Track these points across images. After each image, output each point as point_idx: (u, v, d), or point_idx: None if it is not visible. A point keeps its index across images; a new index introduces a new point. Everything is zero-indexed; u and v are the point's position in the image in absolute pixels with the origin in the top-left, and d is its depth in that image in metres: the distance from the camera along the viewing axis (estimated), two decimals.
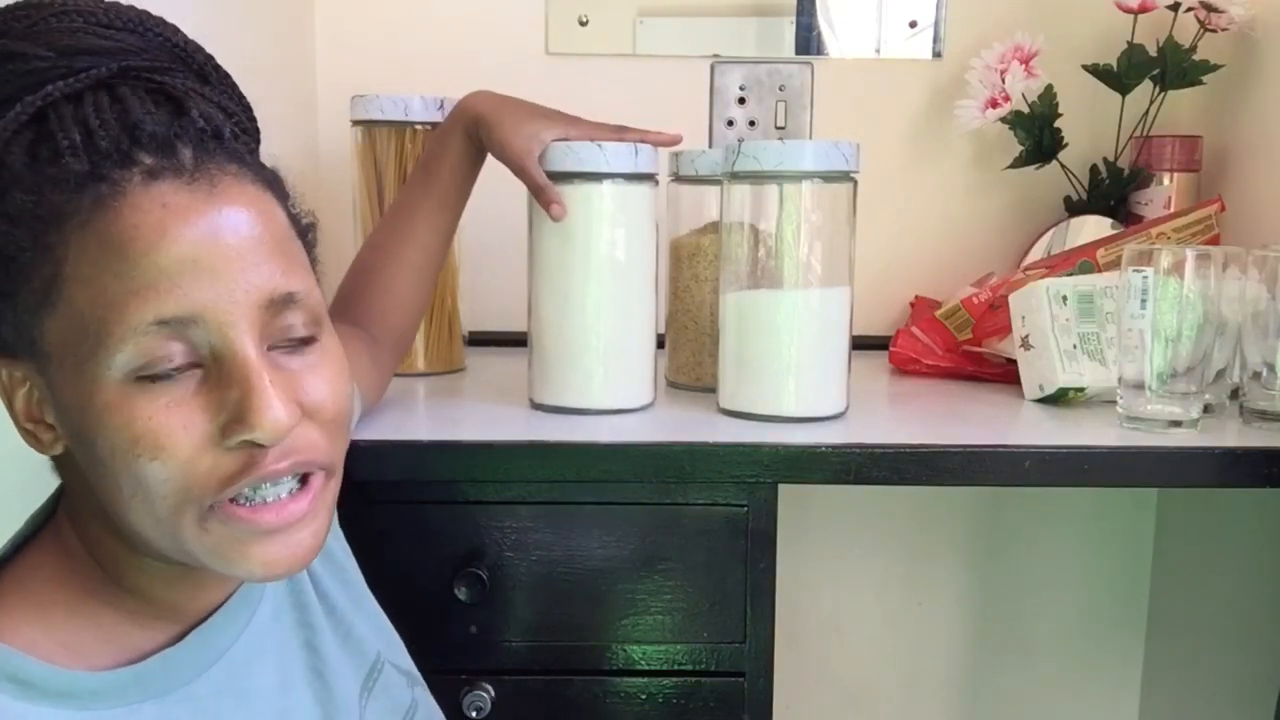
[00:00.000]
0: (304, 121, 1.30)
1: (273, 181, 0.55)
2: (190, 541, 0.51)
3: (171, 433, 0.49)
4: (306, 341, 0.54)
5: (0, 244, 0.49)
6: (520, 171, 0.88)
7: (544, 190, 0.88)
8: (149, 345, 0.49)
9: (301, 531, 0.54)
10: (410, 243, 0.89)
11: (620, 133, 0.91)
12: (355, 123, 1.11)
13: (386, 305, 0.89)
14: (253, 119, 0.59)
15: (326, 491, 0.55)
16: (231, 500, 0.51)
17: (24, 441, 0.54)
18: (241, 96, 0.59)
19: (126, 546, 0.54)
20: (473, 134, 0.90)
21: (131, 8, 0.55)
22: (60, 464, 0.56)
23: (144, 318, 0.48)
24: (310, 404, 0.53)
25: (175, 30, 0.56)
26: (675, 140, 0.94)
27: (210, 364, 0.50)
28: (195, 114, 0.52)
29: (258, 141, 0.59)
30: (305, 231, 0.57)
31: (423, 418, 0.93)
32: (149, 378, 0.49)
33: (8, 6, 0.53)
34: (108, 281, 0.48)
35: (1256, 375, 0.91)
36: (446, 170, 0.90)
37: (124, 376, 0.49)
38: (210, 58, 0.57)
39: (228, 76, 0.58)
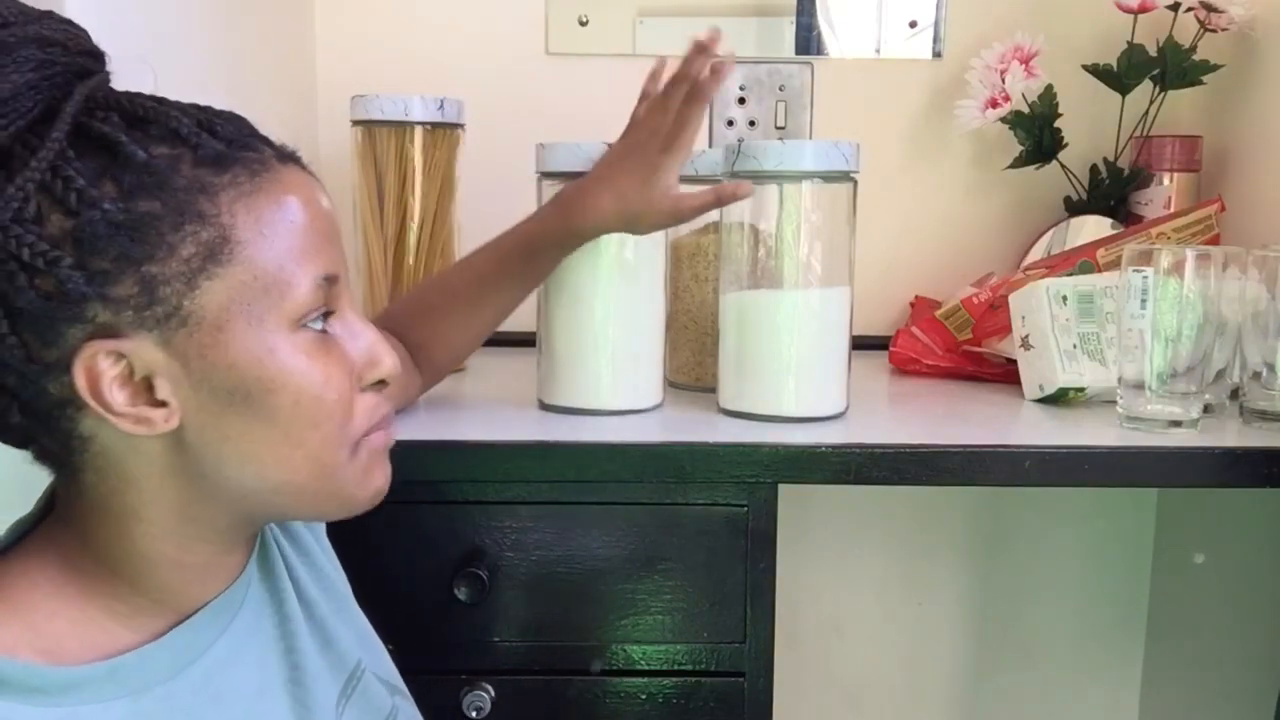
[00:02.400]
0: (304, 121, 1.30)
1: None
2: (342, 471, 0.58)
3: (341, 380, 0.56)
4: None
5: (135, 214, 0.50)
6: (692, 217, 0.88)
7: (721, 194, 0.86)
8: (320, 298, 0.55)
9: (389, 459, 0.63)
10: (486, 306, 0.89)
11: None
12: (355, 123, 1.11)
13: (436, 344, 0.89)
14: None
15: None
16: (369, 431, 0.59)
17: (121, 428, 0.52)
18: None
19: (175, 538, 0.56)
20: (593, 236, 0.88)
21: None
22: (86, 463, 0.54)
23: (321, 271, 0.55)
24: None
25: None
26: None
27: (335, 321, 0.57)
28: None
29: None
30: None
31: (423, 418, 0.93)
32: (313, 331, 0.55)
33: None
34: (287, 240, 0.54)
35: (1256, 375, 0.91)
36: (546, 264, 0.89)
37: (295, 326, 0.54)
38: None
39: None
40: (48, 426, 0.53)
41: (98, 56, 0.54)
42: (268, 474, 0.56)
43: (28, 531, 0.58)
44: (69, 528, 0.56)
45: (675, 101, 0.86)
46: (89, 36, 0.54)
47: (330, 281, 0.56)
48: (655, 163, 0.85)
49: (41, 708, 0.51)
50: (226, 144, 0.53)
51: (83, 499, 0.56)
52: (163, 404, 0.52)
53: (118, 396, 0.52)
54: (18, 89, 0.49)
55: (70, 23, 0.54)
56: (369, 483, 0.60)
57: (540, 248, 0.87)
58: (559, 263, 0.89)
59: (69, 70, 0.52)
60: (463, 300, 0.89)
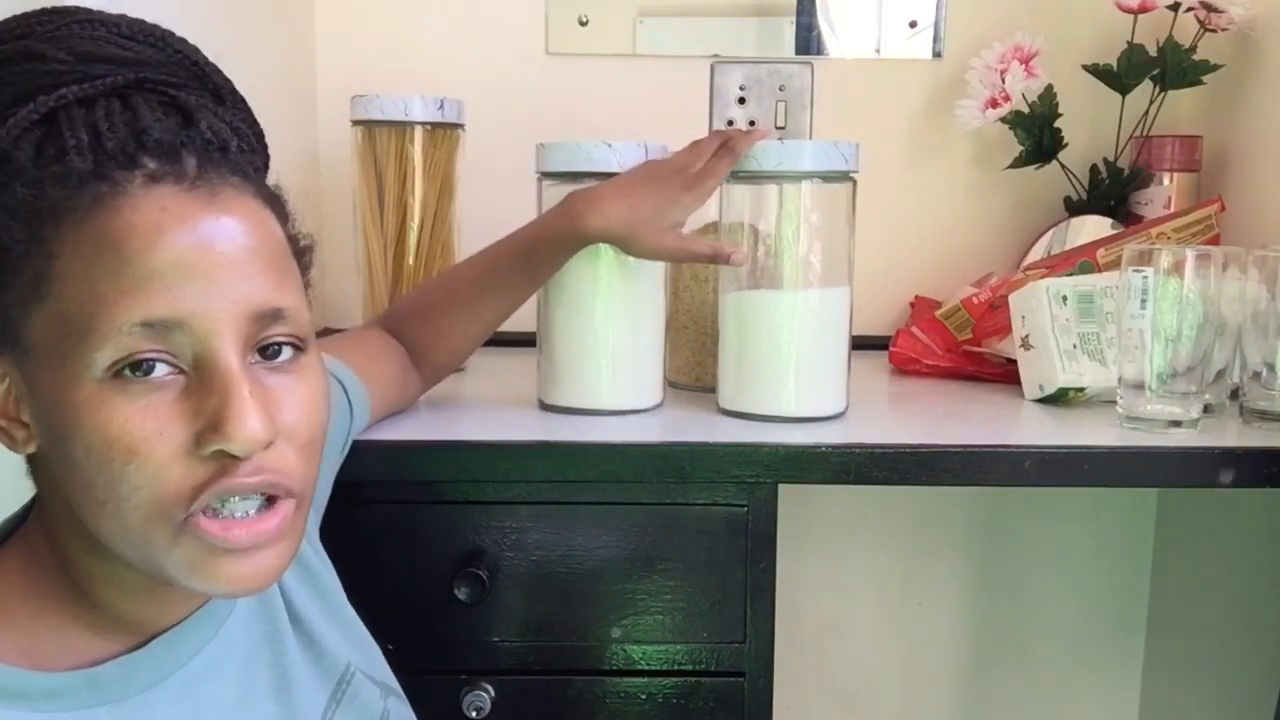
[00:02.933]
0: (304, 121, 1.30)
1: (273, 199, 0.55)
2: (160, 553, 0.51)
3: (147, 437, 0.49)
4: (290, 360, 0.53)
5: (10, 235, 0.49)
6: (681, 261, 0.90)
7: (717, 255, 0.89)
8: (131, 345, 0.48)
9: (268, 551, 0.53)
10: (486, 306, 0.89)
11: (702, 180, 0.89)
12: (355, 123, 1.11)
13: (437, 344, 0.90)
14: (263, 143, 0.59)
15: (296, 517, 0.54)
16: (202, 514, 0.51)
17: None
18: (255, 122, 0.59)
19: (95, 555, 0.54)
20: (593, 244, 0.88)
21: (154, 25, 0.56)
22: (34, 466, 0.55)
23: (130, 318, 0.48)
24: (286, 424, 0.52)
25: (196, 50, 0.57)
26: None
27: (191, 371, 0.50)
28: (204, 125, 0.52)
29: (266, 164, 0.59)
30: (302, 253, 0.57)
31: (424, 417, 0.93)
32: (128, 380, 0.49)
33: (34, 10, 0.53)
34: (99, 279, 0.48)
35: (1256, 375, 0.91)
36: (551, 268, 0.89)
37: (103, 375, 0.48)
38: (228, 81, 0.58)
39: (243, 101, 0.58)
40: None
41: (121, 61, 0.53)
42: (93, 527, 0.51)
43: (12, 530, 0.58)
44: (40, 530, 0.56)
45: (708, 149, 0.89)
46: (127, 39, 0.54)
47: (167, 327, 0.49)
48: (674, 196, 0.87)
49: (23, 712, 0.51)
50: (100, 159, 0.49)
51: (37, 500, 0.57)
52: (27, 425, 0.52)
53: (5, 407, 0.52)
54: None
55: (103, 24, 0.53)
56: (203, 581, 0.52)
57: (542, 248, 0.88)
58: (559, 266, 0.89)
59: (50, 84, 0.51)
60: (463, 300, 0.89)
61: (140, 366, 0.49)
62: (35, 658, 0.53)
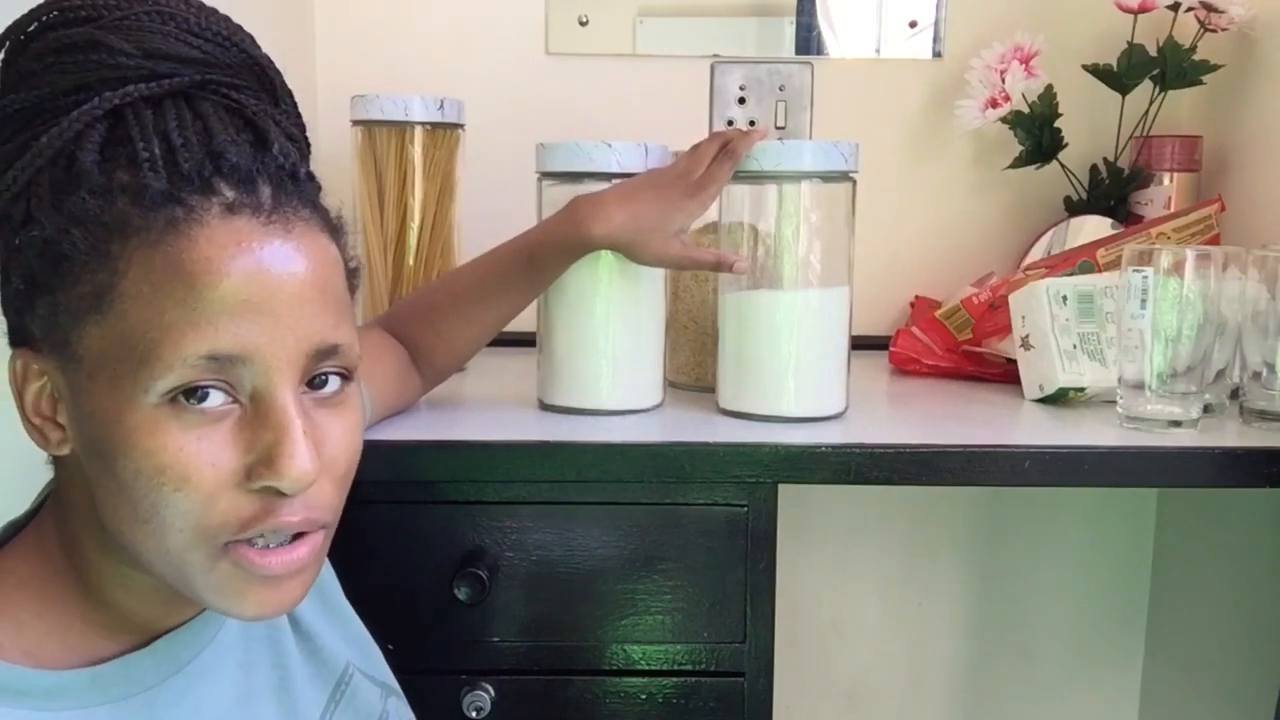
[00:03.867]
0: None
1: (335, 229, 0.56)
2: (196, 576, 0.51)
3: (200, 467, 0.49)
4: (337, 391, 0.54)
5: (55, 241, 0.49)
6: (684, 269, 0.90)
7: (720, 262, 0.89)
8: (193, 375, 0.48)
9: (294, 580, 0.53)
10: (491, 311, 0.89)
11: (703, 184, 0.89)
12: (355, 123, 1.11)
13: (437, 346, 0.89)
14: (308, 140, 0.60)
15: (323, 546, 0.55)
16: (243, 542, 0.51)
17: (28, 435, 0.53)
18: (300, 115, 0.59)
19: (112, 558, 0.54)
20: (596, 250, 0.88)
21: (222, 17, 0.55)
22: (60, 465, 0.55)
23: (198, 350, 0.48)
24: (329, 458, 0.53)
25: (256, 46, 0.56)
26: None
27: (247, 403, 0.50)
28: (276, 149, 0.52)
29: (308, 156, 0.59)
30: (351, 275, 0.57)
31: (423, 418, 0.93)
32: (184, 407, 0.49)
33: None
34: (168, 307, 0.48)
35: (1256, 375, 0.91)
36: (554, 271, 0.89)
37: (159, 401, 0.48)
38: (280, 74, 0.58)
39: (291, 94, 0.59)
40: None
41: (189, 60, 0.53)
42: (125, 539, 0.51)
43: (20, 529, 0.58)
44: (54, 527, 0.56)
45: (708, 153, 0.89)
46: (199, 36, 0.53)
47: (230, 361, 0.49)
48: (677, 203, 0.87)
49: (26, 710, 0.51)
50: (176, 180, 0.49)
51: (57, 504, 0.56)
52: (63, 427, 0.53)
53: (37, 405, 0.53)
54: (53, 93, 0.51)
55: (171, 19, 0.53)
56: (232, 604, 0.52)
57: (545, 254, 0.88)
58: (562, 271, 0.89)
59: (116, 77, 0.51)
60: (465, 303, 0.89)
61: (196, 394, 0.49)
62: (38, 657, 0.53)
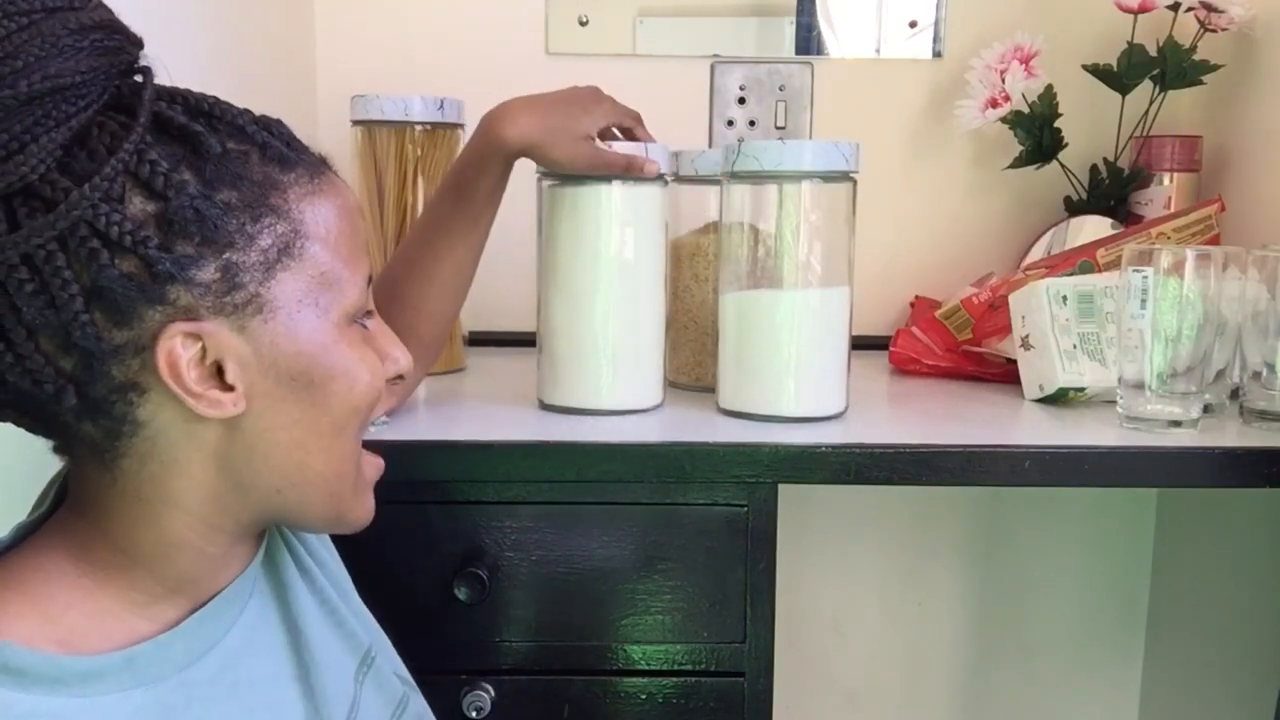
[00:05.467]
0: (304, 121, 1.30)
1: None
2: (352, 474, 0.61)
3: (375, 368, 0.60)
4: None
5: (217, 203, 0.52)
6: (596, 171, 0.90)
7: (631, 163, 0.90)
8: (368, 297, 0.60)
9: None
10: (445, 261, 0.89)
11: (637, 122, 0.96)
12: (355, 123, 1.11)
13: (416, 319, 0.89)
14: None
15: None
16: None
17: (196, 410, 0.53)
18: None
19: (203, 526, 0.57)
20: (513, 159, 0.89)
21: None
22: (156, 446, 0.54)
23: (365, 272, 0.59)
24: None
25: None
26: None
27: (370, 317, 0.62)
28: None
29: None
30: None
31: (423, 417, 0.93)
32: (351, 324, 0.59)
33: None
34: (341, 242, 0.57)
35: (1256, 375, 0.91)
36: (483, 194, 0.89)
37: (348, 320, 0.58)
38: None
39: None
40: (100, 411, 0.53)
41: (141, 45, 0.55)
42: (311, 462, 0.58)
43: (37, 526, 0.58)
44: (84, 519, 0.56)
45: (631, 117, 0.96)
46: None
47: (370, 283, 0.60)
48: (584, 105, 0.91)
49: (63, 698, 0.52)
50: (285, 142, 0.57)
51: (114, 487, 0.55)
52: (231, 388, 0.54)
53: (198, 376, 0.53)
54: (94, 71, 0.50)
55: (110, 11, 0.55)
56: (362, 504, 0.64)
57: (468, 175, 0.88)
58: (493, 191, 0.89)
59: (130, 56, 0.53)
60: (420, 264, 0.89)
61: (365, 311, 0.61)
62: (73, 645, 0.53)
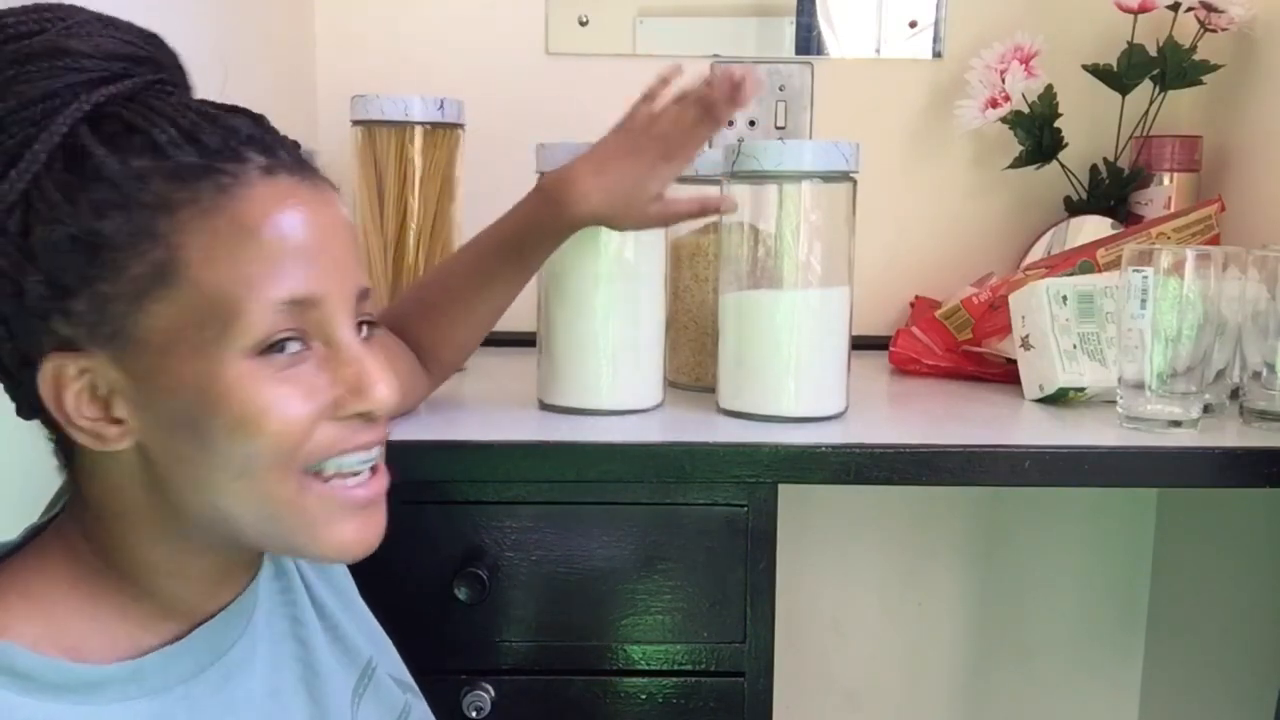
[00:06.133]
0: (304, 121, 1.30)
1: (334, 187, 0.59)
2: (287, 514, 0.54)
3: (296, 406, 0.53)
4: (369, 336, 0.58)
5: (90, 233, 0.50)
6: (671, 223, 0.90)
7: (706, 205, 0.88)
8: (279, 322, 0.52)
9: (380, 511, 0.58)
10: (486, 302, 0.89)
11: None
12: (355, 123, 1.11)
13: (440, 343, 0.89)
14: None
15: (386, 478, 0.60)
16: (327, 479, 0.55)
17: (78, 441, 0.53)
18: None
19: (165, 546, 0.55)
20: (579, 229, 0.87)
21: (135, 24, 0.57)
22: (98, 466, 0.55)
23: (279, 295, 0.52)
24: None
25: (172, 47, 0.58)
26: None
27: (319, 346, 0.54)
28: (266, 124, 0.55)
29: None
30: None
31: (423, 417, 0.93)
32: (271, 356, 0.52)
33: (37, 5, 0.53)
34: (242, 263, 0.51)
35: (1256, 375, 0.91)
36: (541, 256, 0.88)
37: (247, 353, 0.51)
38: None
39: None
40: (47, 425, 0.55)
41: (139, 60, 0.54)
42: (218, 502, 0.53)
43: (43, 527, 0.58)
44: (78, 527, 0.56)
45: (689, 116, 0.86)
46: (136, 39, 0.55)
47: (304, 305, 0.53)
48: (653, 169, 0.85)
49: (67, 705, 0.52)
50: (207, 154, 0.52)
51: (84, 501, 0.56)
52: (119, 421, 0.53)
53: (80, 409, 0.52)
54: (23, 101, 0.51)
55: (109, 25, 0.54)
56: (328, 535, 0.55)
57: (531, 240, 0.87)
58: (550, 253, 0.88)
59: (84, 80, 0.52)
60: (460, 299, 0.89)
61: (276, 346, 0.52)
62: (80, 652, 0.53)
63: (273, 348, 0.52)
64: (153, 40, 0.56)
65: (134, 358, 0.51)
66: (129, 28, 0.55)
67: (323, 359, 0.54)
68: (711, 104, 0.85)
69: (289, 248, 0.52)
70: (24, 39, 0.52)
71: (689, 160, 0.86)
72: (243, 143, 0.53)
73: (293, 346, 0.53)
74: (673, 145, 0.85)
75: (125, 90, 0.53)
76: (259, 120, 0.56)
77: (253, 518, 0.54)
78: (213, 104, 0.56)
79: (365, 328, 0.58)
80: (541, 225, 0.86)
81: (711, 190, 0.92)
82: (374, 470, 0.58)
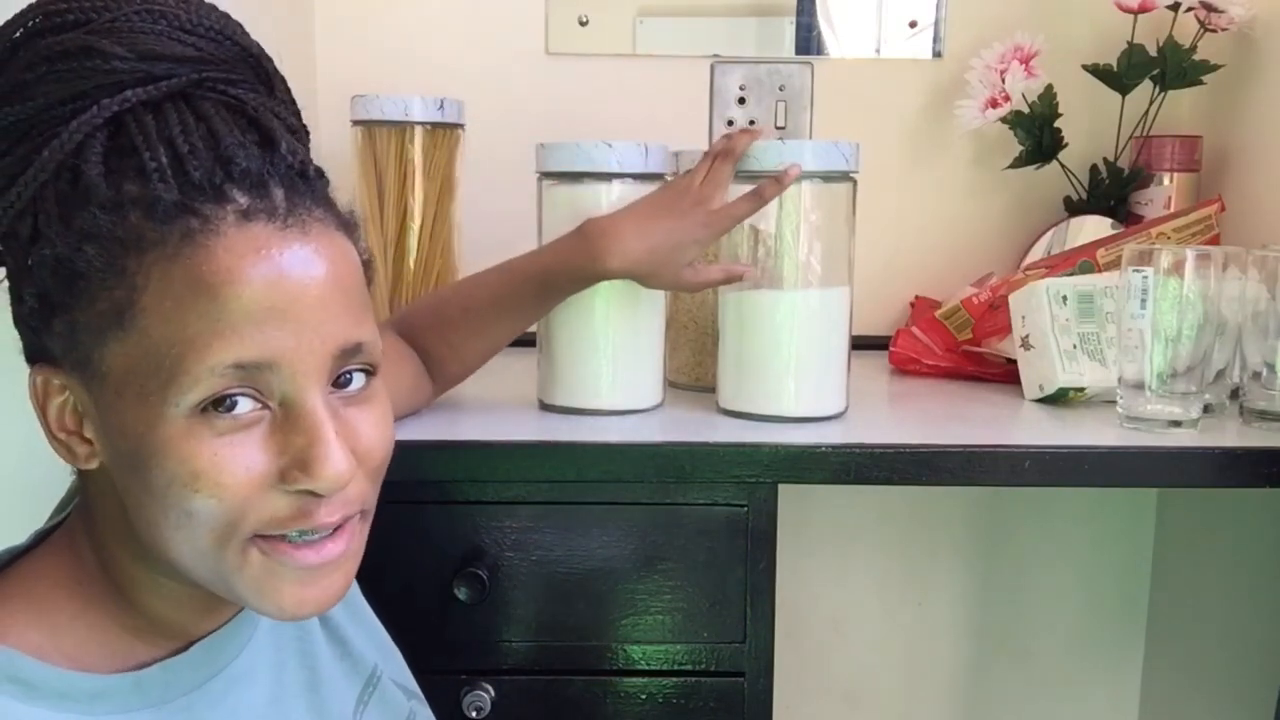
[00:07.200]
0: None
1: (349, 225, 0.55)
2: (230, 573, 0.51)
3: (234, 471, 0.49)
4: (363, 387, 0.54)
5: (69, 259, 0.49)
6: (698, 290, 0.93)
7: (730, 274, 0.90)
8: (221, 386, 0.48)
9: (335, 573, 0.53)
10: (501, 325, 0.89)
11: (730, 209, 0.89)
12: (355, 123, 1.11)
13: (449, 357, 0.90)
14: (307, 128, 0.58)
15: (360, 534, 0.55)
16: (277, 538, 0.51)
17: (54, 451, 0.53)
18: (294, 101, 0.58)
19: (145, 566, 0.54)
20: (612, 277, 0.88)
21: (210, 8, 0.54)
22: (88, 477, 0.55)
23: (223, 360, 0.48)
24: (362, 450, 0.53)
25: (246, 34, 0.55)
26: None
27: (276, 408, 0.50)
28: (284, 148, 0.51)
29: (309, 144, 0.58)
30: (366, 268, 0.56)
31: (424, 417, 0.93)
32: (215, 415, 0.49)
33: None
34: (190, 320, 0.48)
35: (1256, 375, 0.91)
36: (563, 295, 0.89)
37: (190, 412, 0.48)
38: (271, 61, 0.56)
39: (284, 80, 0.57)
40: None
41: (183, 60, 0.51)
42: (161, 546, 0.51)
43: (51, 531, 0.58)
44: (83, 530, 0.56)
45: (726, 180, 0.88)
46: (190, 34, 0.52)
47: (257, 368, 0.49)
48: (693, 234, 0.86)
49: (68, 714, 0.51)
50: (188, 190, 0.48)
51: (87, 505, 0.56)
52: (90, 442, 0.52)
53: (62, 421, 0.52)
54: (49, 103, 0.50)
55: (162, 17, 0.51)
56: (269, 598, 0.52)
57: (561, 280, 0.87)
58: (574, 294, 0.89)
59: (112, 84, 0.50)
60: (478, 319, 0.89)
61: (224, 403, 0.49)
62: (80, 660, 0.53)
63: (218, 405, 0.49)
64: (213, 33, 0.53)
65: (97, 388, 0.50)
66: (193, 18, 0.52)
67: (279, 422, 0.50)
68: (761, 191, 0.87)
69: (244, 308, 0.48)
70: (62, 31, 0.50)
71: (727, 229, 0.88)
72: (230, 178, 0.49)
73: (244, 405, 0.49)
74: (714, 214, 0.86)
75: (153, 95, 0.50)
76: (274, 142, 0.51)
77: (196, 567, 0.51)
78: (251, 110, 0.52)
79: (362, 377, 0.54)
80: (576, 269, 0.86)
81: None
82: (338, 530, 0.53)
